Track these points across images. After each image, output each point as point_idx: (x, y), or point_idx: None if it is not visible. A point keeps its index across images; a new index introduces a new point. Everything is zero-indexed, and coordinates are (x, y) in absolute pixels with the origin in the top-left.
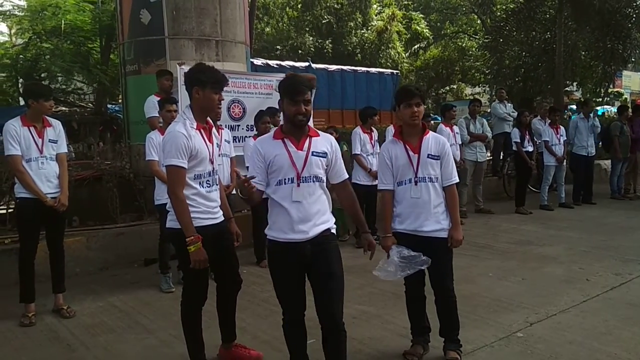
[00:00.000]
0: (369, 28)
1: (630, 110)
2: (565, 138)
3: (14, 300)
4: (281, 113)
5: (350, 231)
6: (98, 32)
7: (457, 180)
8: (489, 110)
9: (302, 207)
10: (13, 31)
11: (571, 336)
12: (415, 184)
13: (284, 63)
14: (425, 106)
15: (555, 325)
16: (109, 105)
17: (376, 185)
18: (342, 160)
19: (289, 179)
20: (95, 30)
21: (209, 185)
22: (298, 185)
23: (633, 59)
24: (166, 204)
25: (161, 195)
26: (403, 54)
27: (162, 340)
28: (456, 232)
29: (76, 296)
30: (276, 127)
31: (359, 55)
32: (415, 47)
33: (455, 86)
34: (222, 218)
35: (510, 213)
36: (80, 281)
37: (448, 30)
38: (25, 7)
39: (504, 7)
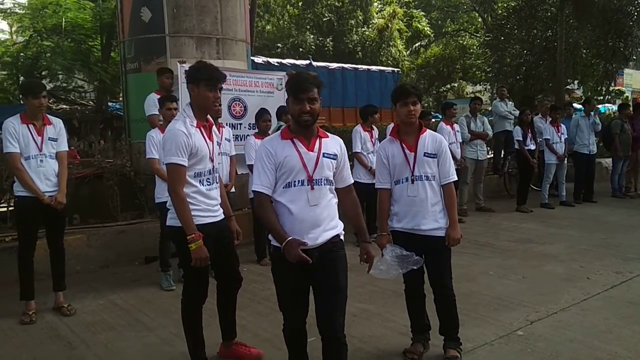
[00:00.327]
0: (370, 26)
1: (631, 108)
2: (567, 136)
3: (15, 298)
4: None
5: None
6: (99, 30)
7: (455, 179)
8: (490, 109)
9: (313, 211)
10: (14, 29)
11: (572, 334)
12: (412, 183)
13: (284, 61)
14: (424, 104)
15: (555, 323)
16: (109, 103)
17: None
18: (349, 164)
19: (299, 181)
20: (96, 28)
21: (209, 183)
22: (312, 188)
23: (634, 57)
24: (167, 202)
25: (162, 193)
26: (404, 52)
27: (162, 338)
28: (453, 230)
29: (77, 294)
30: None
31: (359, 53)
32: (416, 45)
33: (456, 84)
34: (223, 216)
35: (511, 211)
36: (81, 279)
37: (449, 28)
38: (26, 5)
39: (505, 5)
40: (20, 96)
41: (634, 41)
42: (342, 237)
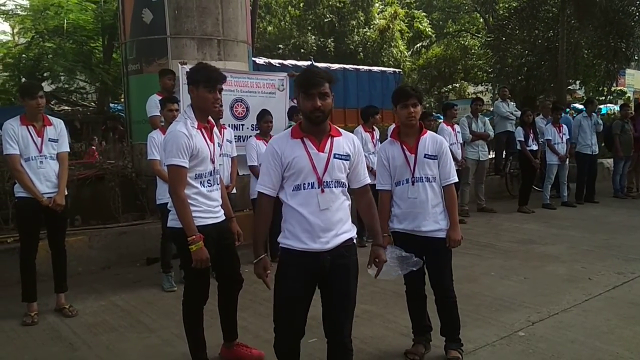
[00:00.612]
0: (371, 26)
1: (632, 108)
2: (568, 137)
3: (17, 299)
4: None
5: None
6: (100, 31)
7: (456, 180)
8: (491, 109)
9: (324, 215)
10: (16, 30)
11: (573, 335)
12: (413, 184)
13: (286, 62)
14: (426, 105)
15: (557, 324)
16: (111, 105)
17: None
18: (364, 163)
19: (309, 183)
20: (97, 30)
21: (210, 185)
22: (322, 191)
23: (636, 57)
24: (168, 203)
25: (163, 194)
26: (405, 53)
27: (164, 339)
28: (454, 232)
29: (78, 295)
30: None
31: (361, 54)
32: (418, 45)
33: (457, 85)
34: (224, 217)
35: (513, 212)
36: (83, 280)
37: (450, 29)
38: (28, 6)
39: (506, 5)
40: (20, 99)
41: (636, 41)
42: (355, 241)
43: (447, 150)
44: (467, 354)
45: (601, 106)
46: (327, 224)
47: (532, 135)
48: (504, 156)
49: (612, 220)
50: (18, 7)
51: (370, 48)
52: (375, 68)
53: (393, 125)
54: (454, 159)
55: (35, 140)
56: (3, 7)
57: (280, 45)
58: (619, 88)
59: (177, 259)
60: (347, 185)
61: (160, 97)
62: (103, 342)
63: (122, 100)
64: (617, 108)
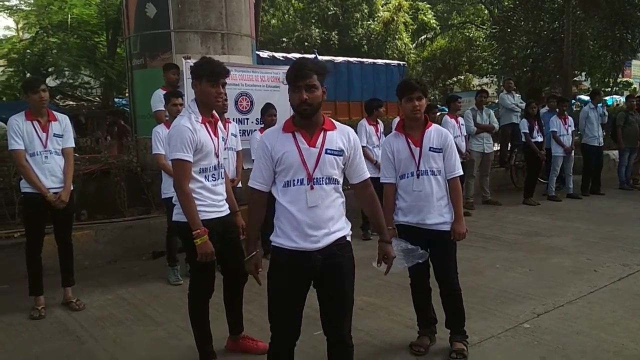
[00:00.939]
0: (375, 19)
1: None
2: (574, 128)
3: (24, 293)
4: None
5: None
6: (104, 26)
7: (461, 173)
8: (496, 101)
9: (314, 212)
10: (20, 26)
11: (578, 327)
12: (418, 177)
13: (290, 55)
14: (430, 97)
15: (562, 316)
16: (116, 99)
17: None
18: (362, 157)
19: (298, 180)
20: (101, 24)
21: (214, 179)
22: (311, 188)
23: None
24: (173, 197)
25: (168, 188)
26: (410, 45)
27: (170, 333)
28: (459, 225)
29: (85, 289)
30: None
31: (365, 46)
32: (422, 37)
33: (462, 77)
34: (228, 211)
35: (518, 204)
36: (89, 274)
37: (455, 21)
38: (32, 1)
39: None
40: (24, 94)
41: None
42: (349, 239)
43: (452, 144)
44: (472, 346)
45: (607, 97)
46: (317, 221)
47: (536, 127)
48: (509, 148)
49: (617, 212)
50: (22, 2)
51: (375, 41)
52: (379, 61)
53: (397, 118)
54: (458, 151)
55: (40, 135)
56: (7, 3)
57: (284, 39)
58: (624, 79)
59: (183, 253)
60: (340, 182)
61: (164, 92)
62: (110, 336)
63: (127, 94)
64: (623, 99)
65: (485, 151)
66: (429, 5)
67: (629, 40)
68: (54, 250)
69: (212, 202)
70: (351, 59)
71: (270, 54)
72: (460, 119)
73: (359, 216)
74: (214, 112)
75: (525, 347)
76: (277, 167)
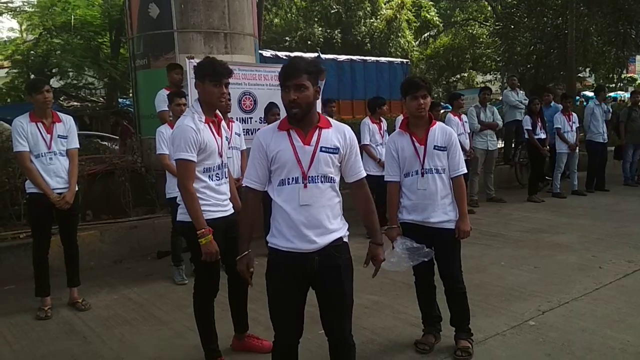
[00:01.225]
0: (378, 17)
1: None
2: (578, 125)
3: (30, 294)
4: None
5: None
6: (107, 26)
7: (465, 171)
8: (500, 98)
9: (308, 211)
10: (24, 27)
11: (584, 324)
12: (422, 176)
13: (293, 54)
14: (434, 94)
15: (567, 313)
16: (120, 100)
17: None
18: (359, 156)
19: (293, 178)
20: (104, 25)
21: (218, 179)
22: (305, 186)
23: None
24: (177, 197)
25: (172, 188)
26: (413, 43)
27: (176, 332)
28: (463, 223)
29: (91, 289)
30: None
31: (368, 44)
32: (425, 35)
33: (466, 74)
34: (232, 210)
35: (522, 201)
36: (95, 274)
37: (458, 18)
38: (35, 3)
39: None
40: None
41: None
42: (346, 240)
43: (456, 142)
44: (477, 344)
45: (611, 93)
46: (311, 220)
47: (539, 123)
48: (513, 145)
49: (622, 208)
50: (25, 3)
51: (378, 39)
52: (382, 59)
53: (401, 117)
54: (462, 149)
55: (45, 136)
56: (11, 4)
57: (287, 38)
58: (629, 75)
59: (188, 252)
60: (335, 181)
61: (168, 92)
62: (116, 335)
63: (131, 95)
64: (627, 95)
65: (489, 148)
66: (431, 3)
67: (633, 36)
68: (60, 250)
69: (216, 201)
70: (354, 58)
71: (274, 53)
72: (463, 117)
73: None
74: (217, 111)
75: (530, 345)
76: (272, 166)
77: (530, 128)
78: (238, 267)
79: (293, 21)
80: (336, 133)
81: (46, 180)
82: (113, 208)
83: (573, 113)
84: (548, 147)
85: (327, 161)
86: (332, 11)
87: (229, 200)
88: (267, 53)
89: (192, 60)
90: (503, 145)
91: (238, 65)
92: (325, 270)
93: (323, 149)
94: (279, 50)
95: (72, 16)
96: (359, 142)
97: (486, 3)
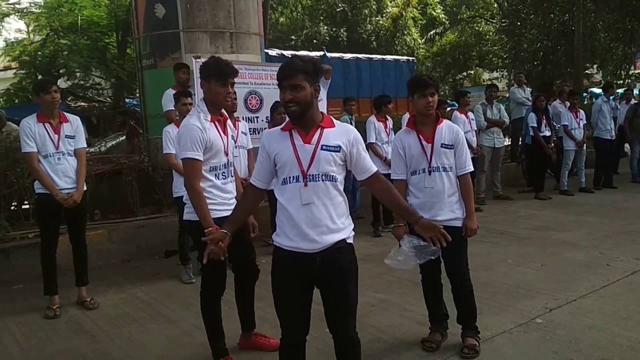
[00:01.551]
0: (384, 15)
1: None
2: (585, 122)
3: (39, 293)
4: None
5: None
6: (114, 27)
7: (472, 169)
8: (507, 95)
9: (310, 210)
10: (31, 28)
11: (591, 321)
12: (429, 174)
13: (298, 53)
14: (440, 93)
15: (575, 310)
16: (126, 100)
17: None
18: (366, 153)
19: (293, 177)
20: (111, 25)
21: (224, 177)
22: (305, 185)
23: None
24: (184, 196)
25: (179, 187)
26: (419, 40)
27: (184, 330)
28: (470, 221)
29: (99, 288)
30: None
31: (374, 42)
32: (431, 32)
33: (472, 72)
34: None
35: (529, 199)
36: (103, 273)
37: (464, 15)
38: (42, 4)
39: None
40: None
41: None
42: (350, 241)
43: (463, 140)
44: (484, 341)
45: (619, 90)
46: (313, 219)
47: (544, 121)
48: (520, 143)
49: (630, 205)
50: (32, 4)
51: (383, 37)
52: (388, 57)
53: (407, 115)
54: (469, 146)
55: (52, 137)
56: (18, 5)
57: (293, 37)
58: (637, 71)
59: (195, 251)
60: (338, 180)
61: (175, 91)
62: (124, 334)
63: (137, 95)
64: (636, 92)
65: (496, 146)
66: (437, 0)
67: None
68: (68, 250)
69: (222, 200)
70: (360, 56)
71: (279, 51)
72: (470, 114)
73: (369, 213)
74: (222, 110)
75: (537, 342)
76: (276, 166)
77: (535, 125)
78: (205, 239)
79: (299, 20)
80: (339, 132)
81: (55, 181)
82: (121, 207)
83: (580, 110)
84: (553, 144)
85: (328, 159)
86: (338, 9)
87: (235, 199)
88: (273, 52)
89: (198, 60)
90: (510, 142)
91: (244, 65)
92: (329, 271)
93: (324, 147)
94: (284, 49)
95: (79, 17)
96: (365, 140)
97: (492, 0)
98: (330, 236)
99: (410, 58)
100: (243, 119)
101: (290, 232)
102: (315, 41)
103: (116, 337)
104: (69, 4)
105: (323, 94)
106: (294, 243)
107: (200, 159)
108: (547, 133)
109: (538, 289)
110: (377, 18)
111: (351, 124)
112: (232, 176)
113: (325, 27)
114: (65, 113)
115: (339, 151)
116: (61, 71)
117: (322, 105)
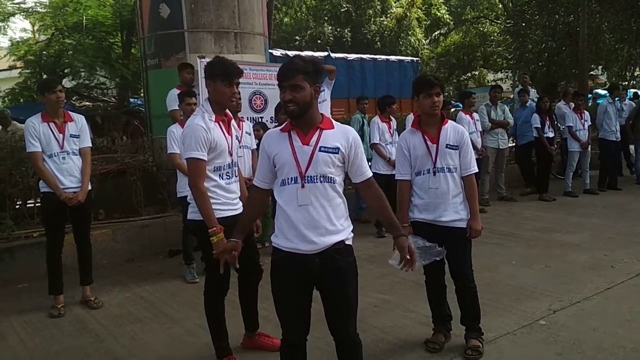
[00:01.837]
0: (388, 15)
1: None
2: (590, 123)
3: (44, 292)
4: None
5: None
6: (119, 26)
7: (476, 170)
8: (511, 97)
9: (307, 211)
10: (36, 28)
11: (595, 323)
12: (434, 174)
13: (303, 53)
14: (445, 94)
15: (578, 312)
16: (131, 99)
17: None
18: (364, 157)
19: (292, 178)
20: (116, 25)
21: (228, 177)
22: (302, 186)
23: None
24: (188, 196)
25: (183, 187)
26: (423, 41)
27: (187, 330)
28: (475, 222)
29: (103, 287)
30: None
31: (378, 43)
32: (436, 33)
33: (477, 72)
34: (242, 209)
35: (534, 200)
36: (107, 273)
37: (469, 16)
38: (47, 3)
39: None
40: (40, 95)
41: None
42: (349, 242)
43: (468, 141)
44: (487, 343)
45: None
46: (311, 220)
47: (548, 122)
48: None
49: (635, 207)
50: (38, 4)
51: (388, 37)
52: (392, 57)
53: (412, 115)
54: (474, 147)
55: (57, 136)
56: (23, 5)
57: (297, 37)
58: None
59: (199, 251)
60: (337, 181)
61: (179, 91)
62: (128, 333)
63: (142, 94)
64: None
65: (500, 147)
66: (442, 0)
67: None
68: (73, 249)
69: (227, 200)
70: (364, 56)
71: (284, 52)
72: (475, 115)
73: (372, 214)
74: (227, 110)
75: (541, 344)
76: (275, 167)
77: (539, 126)
78: (215, 250)
79: (303, 20)
80: (338, 134)
81: (60, 180)
82: (125, 207)
83: (585, 111)
84: (555, 146)
85: (326, 161)
86: (342, 10)
87: (239, 199)
88: (278, 52)
89: (202, 60)
90: (514, 143)
91: (248, 65)
92: (327, 273)
93: (322, 149)
94: (289, 50)
95: (84, 16)
96: (369, 140)
97: (497, 0)
98: (328, 237)
99: (415, 59)
100: (248, 119)
101: (288, 233)
102: (319, 41)
103: (120, 336)
104: (74, 4)
105: (327, 95)
106: (292, 244)
107: (205, 158)
108: (551, 134)
109: (542, 290)
110: (382, 18)
111: (363, 123)
112: (236, 176)
113: (330, 28)
114: (70, 112)
115: (337, 153)
116: (66, 71)
117: (326, 106)
